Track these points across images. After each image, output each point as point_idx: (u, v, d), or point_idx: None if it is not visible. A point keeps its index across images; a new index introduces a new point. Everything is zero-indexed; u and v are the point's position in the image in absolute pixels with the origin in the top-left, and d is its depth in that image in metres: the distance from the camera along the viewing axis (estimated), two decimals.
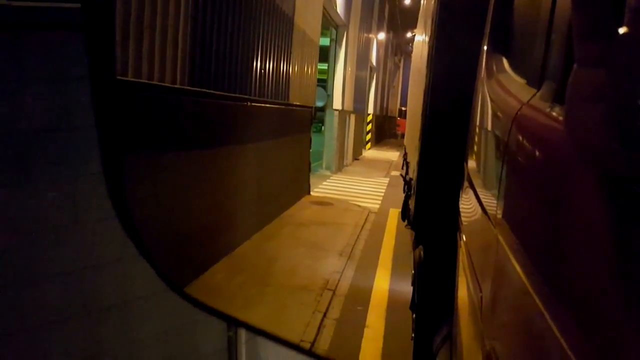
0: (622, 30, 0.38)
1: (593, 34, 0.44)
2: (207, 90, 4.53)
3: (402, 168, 7.48)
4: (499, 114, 1.13)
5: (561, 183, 0.66)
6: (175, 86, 3.98)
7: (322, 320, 3.94)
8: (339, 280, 4.85)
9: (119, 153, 2.05)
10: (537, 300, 0.66)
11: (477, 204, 1.23)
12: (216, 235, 4.92)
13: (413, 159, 3.83)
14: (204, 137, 4.57)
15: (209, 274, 4.53)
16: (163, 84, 3.80)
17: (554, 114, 0.76)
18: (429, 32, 3.16)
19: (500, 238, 0.89)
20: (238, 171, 5.51)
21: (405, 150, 7.56)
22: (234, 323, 2.95)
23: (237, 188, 5.50)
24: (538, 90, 0.89)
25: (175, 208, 4.04)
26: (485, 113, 1.35)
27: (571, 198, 0.61)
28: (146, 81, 3.57)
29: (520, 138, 0.88)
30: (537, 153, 0.80)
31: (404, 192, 5.50)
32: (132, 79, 3.38)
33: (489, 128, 1.23)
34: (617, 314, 0.47)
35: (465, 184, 1.68)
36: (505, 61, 1.30)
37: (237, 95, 5.31)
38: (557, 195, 0.67)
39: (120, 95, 3.08)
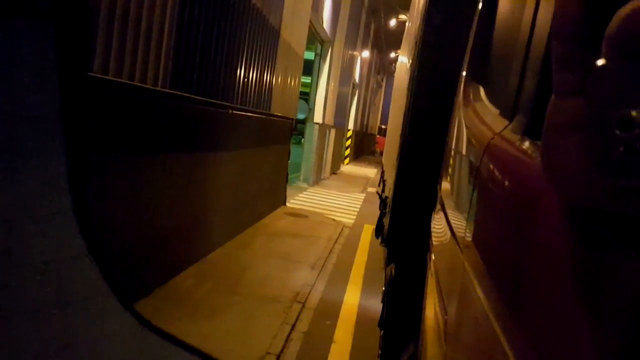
0: (599, 62, 0.39)
1: (571, 65, 0.46)
2: (189, 95, 4.52)
3: (379, 185, 7.53)
4: (472, 141, 1.16)
5: (527, 214, 0.68)
6: (156, 88, 3.96)
7: (290, 332, 3.92)
8: (309, 293, 4.84)
9: (83, 150, 2.01)
10: (498, 329, 0.68)
11: (447, 227, 1.26)
12: (188, 240, 4.88)
13: (390, 178, 3.87)
14: (182, 142, 4.55)
15: (179, 279, 4.49)
16: (144, 85, 3.78)
17: (524, 147, 0.79)
18: (412, 55, 3.22)
19: (466, 263, 0.92)
20: (215, 177, 5.49)
21: (382, 168, 7.62)
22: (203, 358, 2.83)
23: (213, 194, 5.48)
24: (510, 121, 0.92)
25: (145, 210, 4.01)
26: (460, 139, 1.38)
27: (536, 228, 0.63)
28: (126, 81, 3.55)
29: (491, 167, 0.90)
30: (505, 183, 0.82)
31: (379, 210, 5.54)
32: (109, 77, 3.35)
33: (463, 154, 1.26)
34: (578, 342, 0.48)
35: (438, 206, 1.71)
36: (482, 90, 1.34)
37: (219, 102, 5.30)
38: (523, 225, 0.69)
39: (91, 92, 3.05)
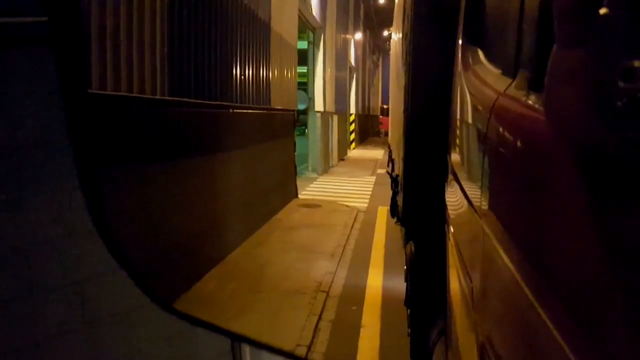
0: (602, 11, 0.38)
1: (573, 15, 0.44)
2: (189, 100, 4.51)
3: (388, 165, 7.50)
4: (477, 105, 1.14)
5: (541, 170, 0.66)
6: (156, 97, 3.96)
7: (317, 322, 3.93)
8: (332, 282, 4.84)
9: (94, 167, 2.03)
10: (526, 289, 0.66)
11: (462, 196, 1.24)
12: (206, 244, 4.90)
13: (398, 156, 3.85)
14: (189, 146, 4.55)
15: (201, 284, 4.51)
16: (144, 95, 3.78)
17: (530, 102, 0.77)
18: (404, 30, 3.18)
19: (486, 228, 0.90)
20: (224, 178, 5.49)
21: (389, 148, 7.59)
22: (229, 336, 2.89)
23: (225, 195, 5.49)
24: (513, 79, 0.89)
25: (163, 219, 4.02)
26: (464, 105, 1.36)
27: (552, 184, 0.62)
28: (125, 94, 3.54)
29: (499, 128, 0.88)
30: (516, 142, 0.80)
31: (391, 189, 5.52)
32: (109, 92, 3.35)
33: (469, 120, 1.24)
34: (607, 300, 0.47)
35: (450, 177, 1.69)
36: (480, 52, 1.31)
37: (219, 102, 5.30)
38: (538, 183, 0.67)
39: (93, 109, 3.06)
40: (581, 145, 0.46)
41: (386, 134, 18.56)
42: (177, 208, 4.26)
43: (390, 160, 6.56)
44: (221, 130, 5.39)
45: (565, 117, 0.47)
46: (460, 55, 1.50)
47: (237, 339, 2.91)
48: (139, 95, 3.71)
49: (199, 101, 4.73)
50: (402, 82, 3.03)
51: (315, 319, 3.98)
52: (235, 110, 5.80)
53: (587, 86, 0.41)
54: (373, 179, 12.38)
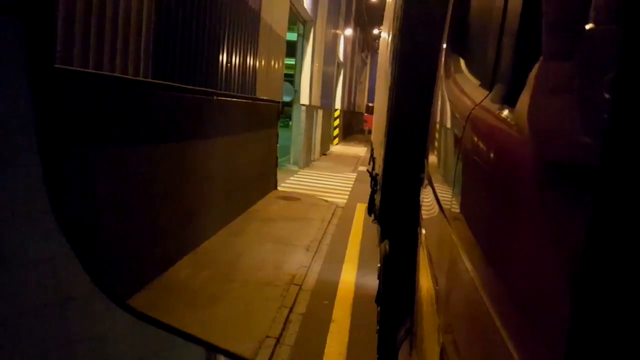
0: (588, 26, 0.40)
1: (561, 29, 0.46)
2: (172, 84, 4.48)
3: (369, 163, 7.54)
4: (454, 113, 1.17)
5: (509, 182, 0.69)
6: (138, 78, 3.93)
7: (288, 315, 3.96)
8: (305, 275, 4.87)
9: (57, 147, 1.96)
10: (484, 294, 0.69)
11: (435, 200, 1.27)
12: (181, 230, 4.88)
13: (379, 155, 3.88)
14: (170, 131, 4.52)
15: (174, 270, 4.50)
16: (126, 76, 3.75)
17: (503, 115, 0.80)
18: (393, 30, 3.21)
19: (453, 233, 0.93)
20: (203, 165, 5.47)
21: (372, 146, 7.63)
22: (187, 339, 2.75)
23: (203, 182, 5.47)
24: (489, 92, 0.92)
25: (137, 202, 4.00)
26: (443, 112, 1.39)
27: (519, 195, 0.64)
28: (107, 73, 3.51)
29: (473, 138, 0.91)
30: (487, 153, 0.83)
31: (370, 187, 5.56)
32: (86, 70, 3.30)
33: (446, 127, 1.27)
34: (561, 304, 0.49)
35: (425, 180, 1.72)
36: (462, 62, 1.34)
37: (203, 89, 5.27)
38: (505, 193, 0.70)
39: (59, 85, 3.00)
40: (562, 155, 0.47)
41: (370, 131, 18.61)
42: (151, 192, 4.24)
43: (372, 158, 6.59)
44: (203, 117, 5.37)
45: (549, 126, 0.48)
46: (443, 62, 1.53)
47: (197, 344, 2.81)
48: (120, 76, 3.67)
49: (183, 86, 4.71)
50: (388, 82, 3.06)
51: (286, 311, 4.00)
52: (219, 98, 5.78)
53: (573, 97, 0.42)
54: (354, 175, 12.43)
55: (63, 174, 2.48)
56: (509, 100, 0.80)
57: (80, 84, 3.21)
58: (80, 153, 3.17)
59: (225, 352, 2.96)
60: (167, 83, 4.39)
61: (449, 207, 1.03)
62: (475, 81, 1.14)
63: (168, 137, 4.48)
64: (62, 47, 3.02)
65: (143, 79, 3.99)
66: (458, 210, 0.94)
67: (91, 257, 2.29)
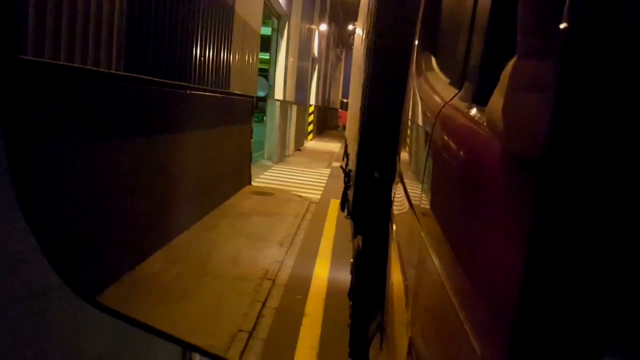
0: (562, 25, 0.41)
1: (535, 28, 0.48)
2: (145, 77, 4.43)
3: (343, 159, 7.56)
4: (425, 110, 1.18)
5: (476, 180, 0.71)
6: (110, 71, 3.87)
7: (261, 309, 3.96)
8: (278, 270, 4.88)
9: (24, 140, 1.92)
10: (451, 291, 0.71)
11: (405, 196, 1.29)
12: (154, 224, 4.84)
13: (353, 151, 3.89)
14: (140, 124, 4.47)
15: (146, 264, 4.45)
16: (99, 68, 3.69)
17: (472, 114, 0.81)
18: (367, 27, 3.22)
19: (422, 228, 0.94)
20: (177, 159, 5.42)
21: (346, 142, 7.64)
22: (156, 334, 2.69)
23: (176, 176, 5.42)
24: (459, 90, 0.94)
25: (106, 197, 3.94)
26: (414, 110, 1.40)
27: (484, 192, 0.66)
28: (79, 65, 3.45)
29: (442, 136, 0.93)
30: (456, 152, 0.85)
31: (344, 183, 5.58)
32: (61, 63, 3.25)
33: (417, 124, 1.29)
34: (511, 299, 0.50)
35: (397, 177, 1.74)
36: (433, 60, 1.36)
37: (176, 82, 5.21)
38: (472, 191, 0.72)
39: (24, 77, 2.93)
40: (531, 148, 0.48)
41: (344, 127, 18.64)
42: (124, 186, 4.19)
43: (346, 154, 6.62)
44: (176, 111, 5.31)
45: (523, 124, 0.49)
46: (415, 60, 1.55)
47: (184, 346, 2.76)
48: (91, 68, 3.61)
49: (156, 79, 4.65)
50: (362, 78, 3.07)
51: (259, 305, 4.00)
52: (192, 92, 5.73)
53: (548, 96, 0.43)
54: (328, 171, 12.45)
55: (30, 168, 2.43)
56: (478, 99, 0.82)
57: (50, 76, 3.15)
58: (47, 146, 3.11)
59: (201, 350, 2.93)
60: (139, 76, 4.33)
61: (418, 203, 1.04)
62: (445, 79, 1.15)
63: (140, 130, 4.43)
64: (33, 38, 2.96)
65: (115, 72, 3.93)
66: (427, 207, 0.96)
67: (59, 252, 2.24)
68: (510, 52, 0.56)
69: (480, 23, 0.88)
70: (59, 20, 3.19)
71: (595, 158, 0.41)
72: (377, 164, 2.74)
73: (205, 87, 6.23)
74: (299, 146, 16.86)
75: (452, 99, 0.94)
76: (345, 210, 4.59)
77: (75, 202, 3.44)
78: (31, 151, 2.74)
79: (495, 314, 0.54)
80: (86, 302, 2.26)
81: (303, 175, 11.46)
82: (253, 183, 9.25)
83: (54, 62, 3.17)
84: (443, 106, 0.96)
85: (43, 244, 1.95)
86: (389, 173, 2.11)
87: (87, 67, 3.54)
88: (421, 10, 1.62)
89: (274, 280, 4.59)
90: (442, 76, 1.20)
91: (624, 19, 0.39)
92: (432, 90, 1.20)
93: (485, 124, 0.70)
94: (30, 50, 2.95)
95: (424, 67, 1.39)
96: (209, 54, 6.35)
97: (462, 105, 0.87)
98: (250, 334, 3.56)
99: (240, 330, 3.57)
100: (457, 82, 0.98)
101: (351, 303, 3.21)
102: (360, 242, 3.00)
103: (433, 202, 0.94)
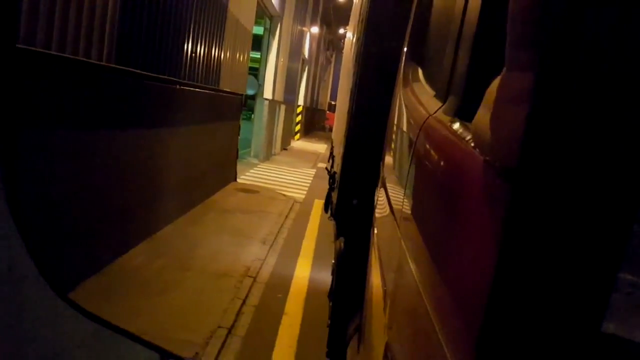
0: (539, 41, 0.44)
1: (524, 43, 0.50)
2: (135, 70, 4.42)
3: (329, 161, 7.59)
4: (410, 121, 1.22)
5: (455, 190, 0.74)
6: (101, 63, 3.86)
7: (240, 306, 3.98)
8: (260, 268, 4.89)
9: (12, 129, 1.92)
10: (426, 295, 0.74)
11: (387, 202, 1.33)
12: (136, 217, 4.83)
13: (338, 153, 3.92)
14: (128, 117, 4.46)
15: (128, 257, 4.44)
16: (90, 60, 3.68)
17: (454, 128, 0.85)
18: (358, 31, 3.25)
19: (401, 235, 0.98)
20: (163, 154, 5.41)
21: (332, 144, 7.67)
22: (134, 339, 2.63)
23: (161, 171, 5.41)
24: (443, 103, 0.98)
25: (90, 188, 3.92)
26: (400, 118, 1.44)
27: (463, 203, 0.70)
28: (69, 56, 3.44)
29: (425, 147, 0.97)
30: (437, 163, 0.89)
31: (328, 185, 5.61)
32: (53, 52, 3.24)
33: (402, 132, 1.32)
34: (479, 303, 0.53)
35: (380, 183, 1.78)
36: (420, 71, 1.40)
37: (167, 77, 5.21)
38: (451, 202, 0.75)
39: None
40: (516, 158, 0.49)
41: (331, 129, 18.67)
42: (108, 177, 4.18)
43: (332, 156, 6.64)
44: (165, 105, 5.31)
45: (510, 134, 0.50)
46: (402, 69, 1.58)
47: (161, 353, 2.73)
48: (83, 59, 3.60)
49: (146, 73, 4.65)
50: (351, 82, 3.10)
51: (239, 302, 4.02)
52: (182, 87, 5.72)
53: (535, 108, 0.45)
54: (313, 171, 12.48)
55: (16, 156, 2.43)
56: (461, 114, 0.85)
57: (42, 65, 3.15)
58: (34, 136, 3.10)
59: (177, 357, 2.91)
60: (130, 69, 4.33)
61: (399, 209, 1.08)
62: (430, 91, 1.19)
63: (127, 123, 4.42)
64: (25, 27, 2.96)
65: (106, 64, 3.93)
66: (407, 213, 0.99)
67: (37, 240, 2.23)
68: (496, 68, 0.59)
69: (467, 38, 0.91)
70: (52, 8, 3.19)
71: (568, 167, 0.44)
72: (362, 168, 2.77)
73: (195, 83, 6.23)
74: (285, 145, 16.86)
75: (436, 111, 0.98)
76: (329, 212, 4.62)
77: (58, 193, 3.44)
78: (20, 140, 2.73)
79: (464, 322, 0.58)
80: (58, 298, 2.25)
81: (288, 175, 11.47)
82: (239, 180, 9.24)
83: (46, 51, 3.17)
84: (427, 118, 1.00)
85: (23, 231, 1.95)
86: (373, 177, 2.15)
87: (78, 58, 3.54)
88: (410, 21, 1.66)
89: (255, 278, 4.60)
90: (428, 88, 1.23)
91: (595, 39, 0.42)
92: (417, 101, 1.24)
93: (467, 138, 0.74)
94: (22, 39, 2.95)
95: (410, 77, 1.43)
96: (201, 50, 6.35)
97: (446, 119, 0.90)
98: (229, 331, 3.58)
99: (220, 327, 3.58)
100: (442, 95, 1.01)
101: (331, 304, 3.24)
102: (342, 244, 3.04)
103: (413, 209, 0.97)
